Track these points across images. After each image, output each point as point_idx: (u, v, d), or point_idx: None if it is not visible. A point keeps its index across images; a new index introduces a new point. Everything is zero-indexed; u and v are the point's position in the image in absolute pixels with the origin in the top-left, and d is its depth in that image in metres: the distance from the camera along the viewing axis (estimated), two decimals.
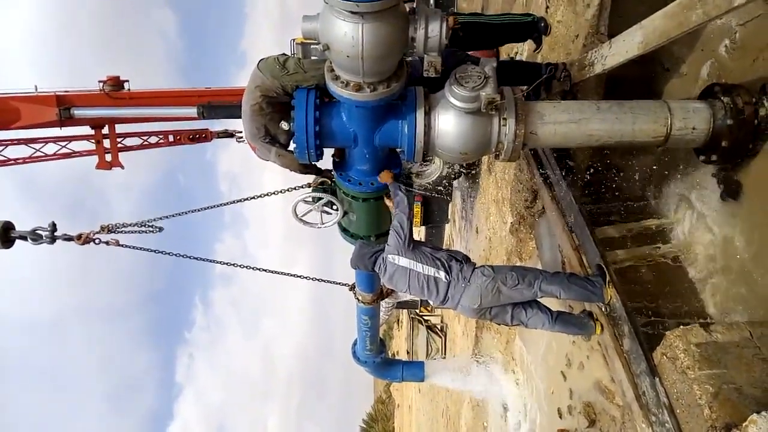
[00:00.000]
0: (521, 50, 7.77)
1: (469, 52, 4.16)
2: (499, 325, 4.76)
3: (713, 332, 3.14)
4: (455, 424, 13.60)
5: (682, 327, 3.21)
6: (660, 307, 4.22)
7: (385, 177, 3.94)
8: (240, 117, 3.99)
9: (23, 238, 4.35)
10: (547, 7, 6.18)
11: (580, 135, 3.61)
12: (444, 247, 4.38)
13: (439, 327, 16.81)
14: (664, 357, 3.23)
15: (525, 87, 3.82)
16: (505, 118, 3.47)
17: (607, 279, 3.96)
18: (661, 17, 3.25)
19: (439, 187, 11.52)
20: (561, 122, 3.58)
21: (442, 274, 3.94)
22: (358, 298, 5.57)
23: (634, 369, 3.60)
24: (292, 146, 3.86)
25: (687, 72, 4.23)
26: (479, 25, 4.35)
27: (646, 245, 4.55)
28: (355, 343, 6.49)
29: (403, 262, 3.96)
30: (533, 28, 4.51)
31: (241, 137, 11.86)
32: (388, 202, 4.08)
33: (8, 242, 4.32)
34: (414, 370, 7.29)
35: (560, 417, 5.84)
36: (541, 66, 4.58)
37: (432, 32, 3.07)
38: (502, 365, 8.38)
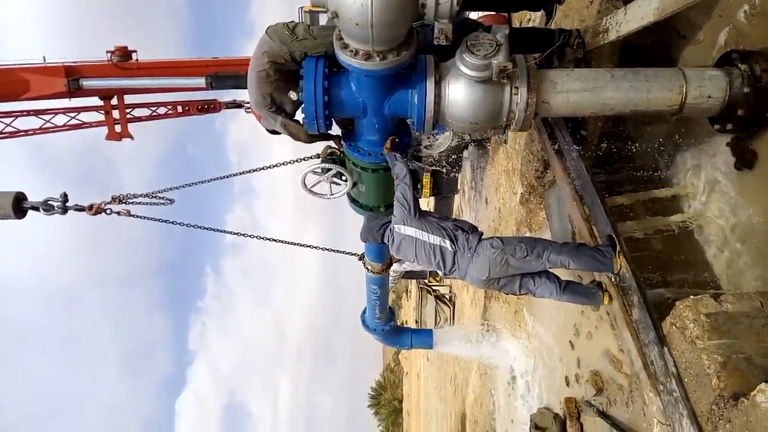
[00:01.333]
0: (533, 17, 7.61)
1: (480, 16, 4.06)
2: (507, 294, 4.78)
3: (723, 302, 3.14)
4: (463, 391, 13.81)
5: (692, 297, 3.21)
6: (670, 277, 4.22)
7: (386, 146, 3.90)
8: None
9: (35, 208, 4.39)
10: None
11: (593, 103, 3.56)
12: (451, 217, 4.38)
13: (447, 297, 16.93)
14: (674, 327, 3.24)
15: (537, 55, 3.75)
16: (516, 87, 3.42)
17: (618, 249, 3.95)
18: None
19: (445, 165, 11.49)
20: (574, 91, 3.52)
21: (447, 243, 3.95)
22: (367, 268, 5.61)
23: (642, 338, 3.62)
24: (298, 116, 3.83)
25: (704, 39, 4.13)
26: None
27: (658, 215, 4.52)
28: (364, 312, 6.57)
29: (410, 231, 3.97)
30: None
31: (250, 107, 11.80)
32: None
33: (21, 213, 4.36)
34: (423, 337, 7.39)
35: (567, 385, 5.91)
36: (555, 33, 4.49)
37: None
38: (510, 334, 8.46)
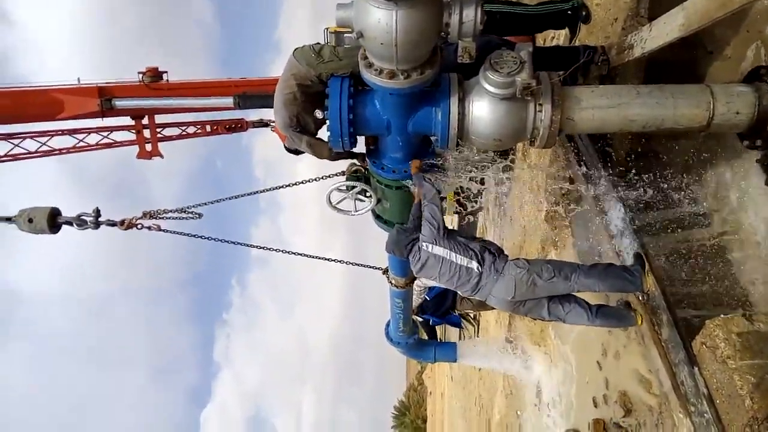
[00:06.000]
0: (558, 35, 7.62)
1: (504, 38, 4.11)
2: (534, 319, 4.72)
3: (756, 321, 3.07)
4: (488, 412, 13.59)
5: (722, 316, 3.15)
6: (700, 296, 4.13)
7: (412, 166, 3.93)
8: None
9: (69, 223, 4.51)
10: None
11: (619, 120, 3.54)
12: (478, 237, 4.38)
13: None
14: (704, 346, 3.18)
15: (562, 72, 3.76)
16: (540, 104, 3.42)
17: (646, 267, 3.89)
18: None
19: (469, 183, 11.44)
20: (599, 107, 3.51)
21: (474, 264, 3.93)
22: (391, 282, 5.62)
23: (672, 358, 3.55)
24: (322, 134, 3.90)
25: (731, 54, 4.09)
26: (516, 15, 4.29)
27: (686, 232, 4.45)
28: (388, 325, 6.57)
29: (438, 250, 3.97)
30: (573, 17, 4.44)
31: (274, 126, 11.97)
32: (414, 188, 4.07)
33: (55, 227, 4.49)
34: (447, 350, 7.35)
35: (595, 406, 5.79)
36: (579, 50, 4.50)
37: (466, 17, 3.05)
38: (536, 353, 8.34)
